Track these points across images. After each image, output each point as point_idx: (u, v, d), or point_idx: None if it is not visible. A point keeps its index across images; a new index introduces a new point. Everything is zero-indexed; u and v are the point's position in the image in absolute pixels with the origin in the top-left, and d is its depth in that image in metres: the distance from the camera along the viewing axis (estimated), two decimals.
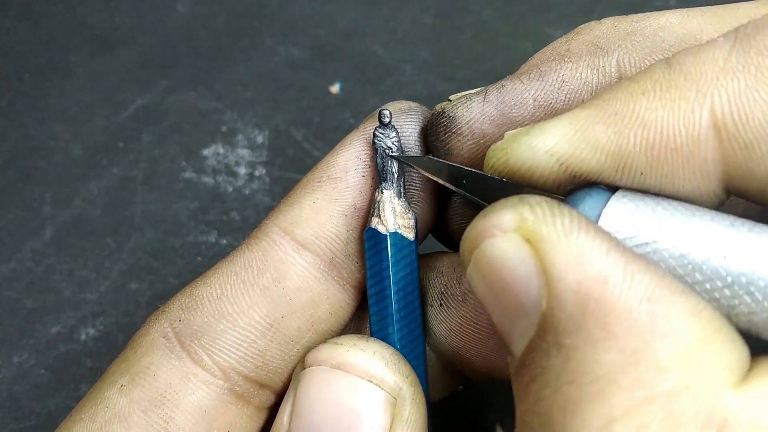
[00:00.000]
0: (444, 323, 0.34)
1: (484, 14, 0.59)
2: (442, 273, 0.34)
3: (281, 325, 0.32)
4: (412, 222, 0.32)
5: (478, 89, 0.33)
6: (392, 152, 0.32)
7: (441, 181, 0.31)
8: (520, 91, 0.32)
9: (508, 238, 0.23)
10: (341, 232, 0.32)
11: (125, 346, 0.33)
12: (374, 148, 0.32)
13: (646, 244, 0.24)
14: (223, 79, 0.57)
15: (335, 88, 0.56)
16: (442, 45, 0.57)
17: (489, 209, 0.25)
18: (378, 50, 0.57)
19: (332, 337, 0.33)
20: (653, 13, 0.33)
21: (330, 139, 0.54)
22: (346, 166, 0.32)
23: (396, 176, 0.32)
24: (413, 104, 0.34)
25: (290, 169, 0.53)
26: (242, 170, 0.53)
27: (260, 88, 0.56)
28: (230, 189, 0.52)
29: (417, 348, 0.33)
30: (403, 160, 0.32)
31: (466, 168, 0.30)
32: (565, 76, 0.32)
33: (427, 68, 0.56)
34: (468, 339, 0.33)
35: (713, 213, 0.24)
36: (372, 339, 0.31)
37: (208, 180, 0.53)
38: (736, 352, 0.21)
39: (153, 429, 0.30)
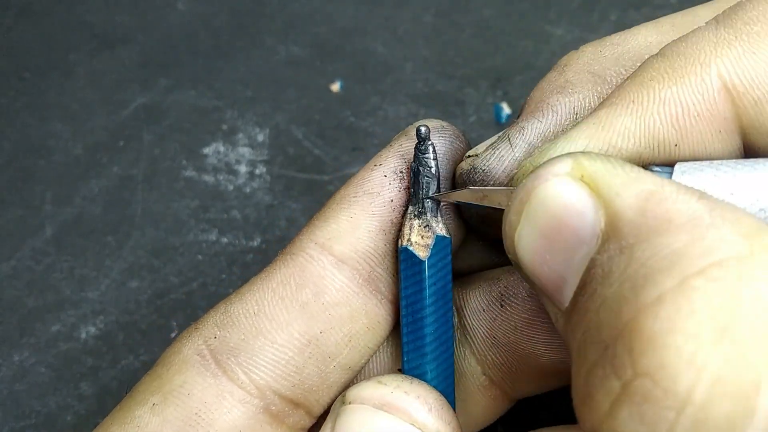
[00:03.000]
0: (507, 322, 0.34)
1: (484, 12, 0.59)
2: (498, 278, 0.34)
3: (319, 341, 0.32)
4: (431, 241, 0.33)
5: (496, 137, 0.33)
6: (430, 170, 0.32)
7: (488, 205, 0.31)
8: (542, 129, 0.33)
9: (562, 179, 0.25)
10: (379, 247, 0.32)
11: (155, 364, 0.33)
12: (411, 167, 0.33)
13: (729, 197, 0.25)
14: (223, 78, 0.57)
15: (336, 87, 0.56)
16: (443, 43, 0.57)
17: (540, 165, 0.26)
18: (378, 48, 0.57)
19: (369, 352, 0.34)
20: (627, 32, 0.35)
21: (330, 137, 0.54)
22: (383, 182, 0.33)
23: (422, 193, 0.33)
24: (444, 123, 0.34)
25: (291, 167, 0.53)
26: (243, 168, 0.53)
27: (261, 87, 0.56)
28: (231, 187, 0.52)
29: (422, 366, 0.33)
30: (445, 199, 0.33)
31: (510, 188, 0.30)
32: (576, 109, 0.33)
33: (428, 66, 0.56)
34: (535, 330, 0.33)
35: (762, 159, 0.26)
36: (417, 381, 0.31)
37: (208, 178, 0.53)
38: None
39: None
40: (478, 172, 0.32)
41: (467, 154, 0.33)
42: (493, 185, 0.32)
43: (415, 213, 0.32)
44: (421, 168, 0.32)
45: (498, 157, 0.32)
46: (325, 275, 0.32)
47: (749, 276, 0.21)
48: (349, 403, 0.30)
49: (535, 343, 0.33)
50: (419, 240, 0.32)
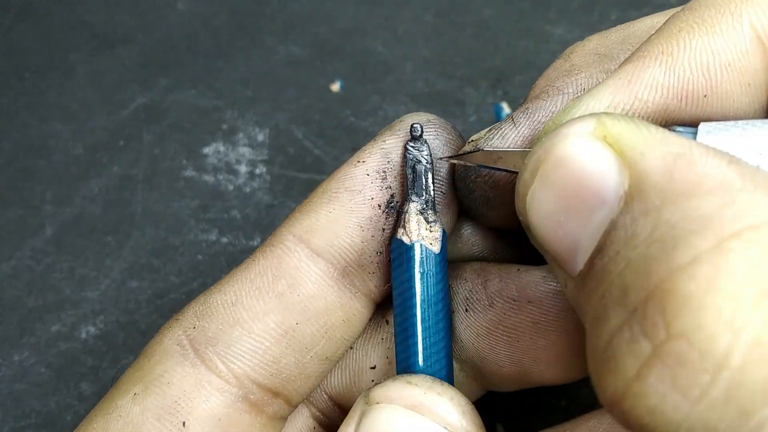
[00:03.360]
0: (470, 328, 0.34)
1: (484, 12, 0.58)
2: (465, 279, 0.34)
3: (296, 332, 0.32)
4: (439, 234, 0.32)
5: (497, 123, 0.33)
6: (428, 166, 0.32)
7: (502, 168, 0.30)
8: (548, 107, 0.32)
9: (584, 138, 0.24)
10: (356, 242, 0.32)
11: (139, 355, 0.33)
12: (404, 160, 0.33)
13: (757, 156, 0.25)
14: (223, 78, 0.57)
15: (336, 87, 0.56)
16: (443, 43, 0.57)
17: (561, 125, 0.25)
18: (378, 48, 0.57)
19: (346, 344, 0.33)
20: (634, 21, 0.35)
21: (330, 137, 0.54)
22: (365, 180, 0.33)
23: (425, 188, 0.32)
24: (431, 116, 0.34)
25: (291, 167, 0.53)
26: (243, 168, 0.53)
27: (261, 87, 0.56)
28: (231, 187, 0.52)
29: (440, 361, 0.32)
30: (457, 160, 0.32)
31: (527, 149, 0.29)
32: (583, 85, 0.32)
33: (428, 66, 0.56)
34: (495, 342, 0.33)
35: None
36: (446, 384, 0.30)
37: (208, 178, 0.53)
38: None
39: None
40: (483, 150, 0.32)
41: (470, 139, 0.33)
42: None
43: (419, 209, 0.32)
44: (417, 166, 0.32)
45: (501, 135, 0.32)
46: (300, 267, 0.32)
47: None
48: (376, 403, 0.30)
49: (495, 352, 0.33)
50: (427, 234, 0.32)
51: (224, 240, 0.50)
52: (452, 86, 0.55)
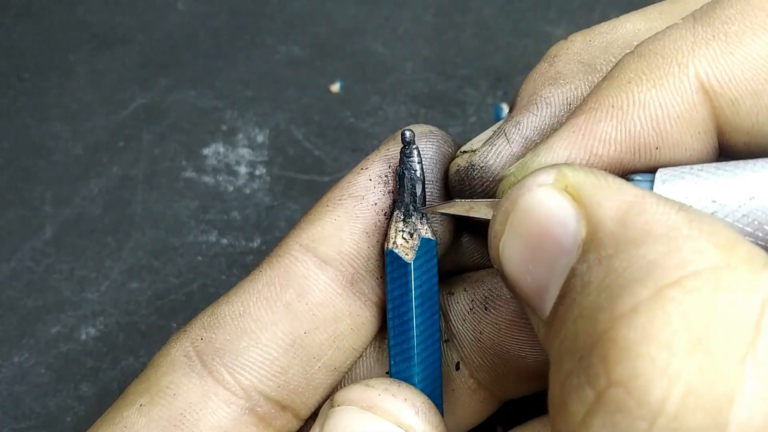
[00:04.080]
0: (491, 325, 0.34)
1: (484, 12, 0.58)
2: (482, 281, 0.34)
3: (304, 341, 0.32)
4: (415, 243, 0.33)
5: (491, 131, 0.33)
6: (415, 174, 0.33)
7: (476, 216, 0.31)
8: (537, 123, 0.33)
9: (546, 189, 0.25)
10: (363, 249, 0.32)
11: (146, 366, 0.33)
12: (397, 171, 0.33)
13: (711, 204, 0.25)
14: (223, 78, 0.56)
15: (336, 87, 0.56)
16: (443, 43, 0.57)
17: (525, 176, 0.26)
18: (378, 48, 0.57)
19: (354, 353, 0.34)
20: (615, 20, 0.35)
21: (330, 137, 0.54)
22: (368, 185, 0.33)
23: (407, 197, 0.33)
24: (433, 128, 0.34)
25: (291, 168, 0.53)
26: (243, 169, 0.53)
27: (261, 87, 0.56)
28: (231, 188, 0.52)
29: (410, 369, 0.33)
30: (434, 211, 0.33)
31: (494, 200, 0.31)
32: (569, 100, 0.33)
33: (428, 66, 0.56)
34: (519, 331, 0.33)
35: (741, 162, 0.26)
36: (404, 384, 0.31)
37: (208, 179, 0.52)
38: None
39: None
40: (476, 168, 0.33)
41: (461, 150, 0.34)
42: (491, 181, 0.32)
43: (401, 216, 0.33)
44: (406, 172, 0.32)
45: (496, 153, 0.32)
46: (308, 276, 0.32)
47: (725, 287, 0.20)
48: (337, 406, 0.30)
49: (520, 345, 0.33)
50: (405, 243, 0.32)
51: (224, 241, 0.50)
52: (452, 86, 0.55)
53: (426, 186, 0.33)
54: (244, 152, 0.53)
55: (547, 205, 0.25)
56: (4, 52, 0.58)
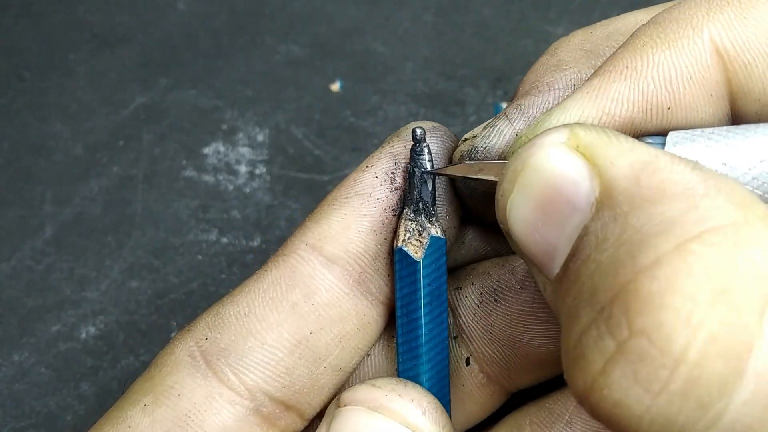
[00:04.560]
0: (502, 317, 0.34)
1: (484, 12, 0.58)
2: (489, 273, 0.34)
3: (309, 342, 0.32)
4: (425, 240, 0.32)
5: (490, 120, 0.33)
6: (420, 170, 0.32)
7: (484, 177, 0.31)
8: (539, 104, 0.33)
9: (557, 148, 0.25)
10: (370, 247, 0.32)
11: (149, 365, 0.33)
12: (407, 167, 0.33)
13: (721, 166, 0.26)
14: (223, 78, 0.57)
15: (336, 86, 0.56)
16: (443, 43, 0.57)
17: (536, 136, 0.26)
18: (378, 48, 0.57)
19: (360, 353, 0.33)
20: (616, 17, 0.35)
21: (330, 137, 0.54)
22: (374, 183, 0.32)
23: (428, 195, 0.32)
24: (436, 124, 0.34)
25: (291, 167, 0.53)
26: (243, 168, 0.53)
27: (261, 87, 0.56)
28: (231, 187, 0.52)
29: (418, 366, 0.32)
30: (441, 173, 0.32)
31: (506, 161, 0.30)
32: (572, 80, 0.33)
33: (428, 66, 0.56)
34: (531, 322, 0.33)
35: (752, 126, 0.26)
36: (411, 384, 0.31)
37: (208, 178, 0.53)
38: None
39: None
40: (479, 150, 0.32)
41: (464, 137, 0.33)
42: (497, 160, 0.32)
43: (410, 214, 0.32)
44: (416, 169, 0.32)
45: (498, 132, 0.32)
46: (315, 275, 0.32)
47: (745, 242, 0.21)
48: (344, 406, 0.30)
49: (531, 333, 0.33)
50: (414, 240, 0.32)
51: (224, 240, 0.50)
52: (452, 86, 0.55)
53: (436, 183, 0.33)
54: (245, 151, 0.53)
55: (559, 163, 0.25)
56: (5, 52, 0.58)
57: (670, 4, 0.34)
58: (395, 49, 0.57)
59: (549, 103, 0.32)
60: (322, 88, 0.56)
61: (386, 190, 0.32)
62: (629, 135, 0.26)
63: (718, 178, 0.22)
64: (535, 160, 0.25)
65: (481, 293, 0.34)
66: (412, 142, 0.32)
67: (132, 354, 0.47)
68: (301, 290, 0.32)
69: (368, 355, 0.35)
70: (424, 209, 0.32)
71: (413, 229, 0.32)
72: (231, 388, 0.31)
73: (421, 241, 0.32)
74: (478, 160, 0.32)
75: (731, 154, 0.26)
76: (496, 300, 0.34)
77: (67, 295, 0.49)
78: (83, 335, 0.48)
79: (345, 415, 0.30)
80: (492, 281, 0.34)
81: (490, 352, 0.34)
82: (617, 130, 0.26)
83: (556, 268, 0.25)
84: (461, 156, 0.33)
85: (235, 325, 0.32)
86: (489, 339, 0.34)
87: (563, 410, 0.33)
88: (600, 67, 0.28)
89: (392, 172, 0.33)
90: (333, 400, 0.31)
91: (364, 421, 0.30)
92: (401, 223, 0.32)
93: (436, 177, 0.33)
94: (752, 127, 0.26)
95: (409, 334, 0.32)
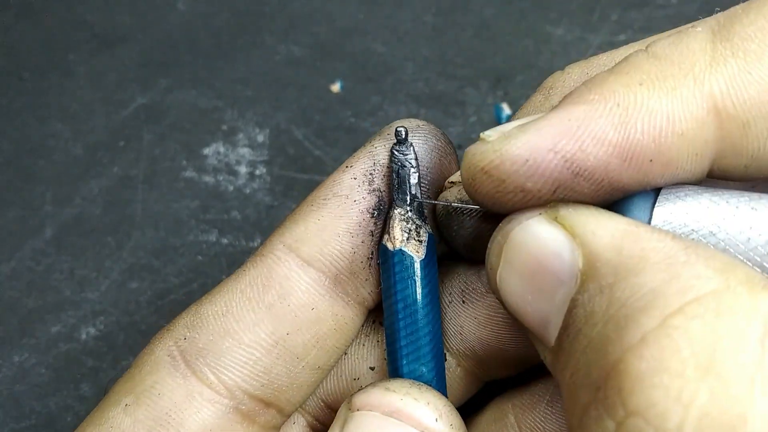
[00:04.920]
0: (470, 318, 0.34)
1: (485, 12, 0.58)
2: (458, 273, 0.34)
3: (287, 342, 0.32)
4: (424, 239, 0.32)
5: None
6: (408, 170, 0.32)
7: (469, 206, 0.31)
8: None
9: (537, 219, 0.25)
10: (346, 249, 0.32)
11: (130, 365, 0.33)
12: (390, 165, 0.32)
13: (709, 234, 0.25)
14: (223, 78, 0.56)
15: (336, 87, 0.56)
16: (443, 43, 0.57)
17: (515, 213, 0.26)
18: (379, 48, 0.57)
19: (338, 352, 0.34)
20: (613, 51, 0.34)
21: (330, 137, 0.54)
22: (352, 185, 0.32)
23: (409, 194, 0.32)
24: (421, 122, 0.34)
25: (291, 167, 0.53)
26: (243, 169, 0.53)
27: (261, 87, 0.56)
28: (231, 188, 0.52)
29: (426, 364, 0.32)
30: (428, 203, 0.33)
31: (480, 209, 0.30)
32: None
33: (429, 66, 0.56)
34: (497, 326, 0.33)
35: (748, 194, 0.26)
36: (424, 387, 0.31)
37: (208, 179, 0.52)
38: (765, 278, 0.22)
39: None
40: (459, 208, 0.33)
41: (449, 181, 0.33)
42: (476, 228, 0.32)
43: (404, 215, 0.32)
44: (401, 170, 0.32)
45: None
46: (291, 277, 0.32)
47: (727, 310, 0.21)
48: (357, 410, 0.30)
49: (498, 336, 0.33)
50: (411, 240, 0.32)
51: (224, 241, 0.50)
52: (453, 86, 0.55)
53: (422, 181, 0.33)
54: (245, 152, 0.53)
55: (540, 236, 0.25)
56: (5, 52, 0.58)
57: (666, 33, 0.32)
58: (395, 50, 0.57)
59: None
60: (322, 88, 0.56)
61: (364, 192, 0.32)
62: (595, 181, 0.25)
63: (697, 246, 0.23)
64: (516, 233, 0.26)
65: (449, 293, 0.34)
66: (395, 141, 0.32)
67: (132, 355, 0.47)
68: (277, 291, 0.32)
69: (345, 353, 0.35)
70: (418, 208, 0.32)
71: (410, 229, 0.32)
72: (210, 387, 0.31)
73: (420, 240, 0.32)
74: (459, 230, 0.33)
75: (717, 218, 0.25)
76: (463, 302, 0.34)
77: (67, 295, 0.49)
78: (83, 336, 0.48)
79: (359, 419, 0.30)
80: (460, 282, 0.34)
81: (462, 349, 0.34)
82: (588, 173, 0.25)
83: (551, 338, 0.25)
84: (443, 211, 0.33)
85: (213, 325, 0.32)
86: (460, 338, 0.34)
87: (544, 391, 0.34)
88: (586, 92, 0.26)
89: (371, 173, 0.33)
90: (344, 402, 0.31)
91: (379, 426, 0.30)
92: (395, 224, 0.32)
93: (420, 174, 0.33)
94: (746, 194, 0.26)
95: (413, 335, 0.32)
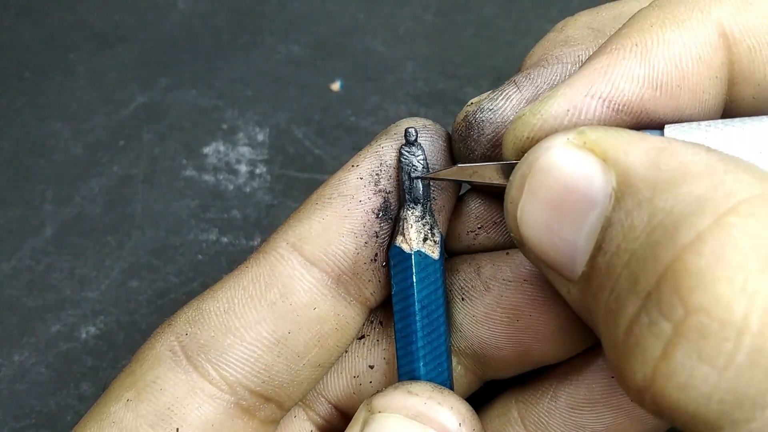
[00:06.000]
0: (468, 316, 0.34)
1: (485, 11, 0.58)
2: (458, 271, 0.34)
3: (288, 341, 0.32)
4: (438, 239, 0.32)
5: (502, 86, 0.33)
6: (418, 171, 0.32)
7: (476, 181, 0.31)
8: (548, 75, 0.33)
9: (564, 144, 0.25)
10: (349, 250, 0.32)
11: (131, 360, 0.33)
12: (399, 166, 0.32)
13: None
14: (223, 77, 0.56)
15: (336, 86, 0.56)
16: (444, 42, 0.57)
17: (542, 140, 0.26)
18: (379, 47, 0.57)
19: (339, 351, 0.33)
20: (622, 1, 0.35)
21: (331, 136, 0.54)
22: (357, 185, 0.32)
23: (422, 194, 0.32)
24: (428, 121, 0.34)
25: (291, 166, 0.53)
26: (243, 168, 0.53)
27: (261, 86, 0.56)
28: (231, 187, 0.52)
29: (442, 365, 0.32)
30: (434, 178, 0.32)
31: (500, 162, 0.30)
32: (580, 56, 0.33)
33: (429, 65, 0.56)
34: (495, 325, 0.33)
35: (749, 119, 0.27)
36: (447, 391, 0.31)
37: (208, 178, 0.52)
38: None
39: None
40: (485, 111, 0.32)
41: (470, 102, 0.33)
42: (500, 126, 0.32)
43: (418, 216, 0.32)
44: (413, 171, 0.32)
45: (505, 96, 0.32)
46: (293, 275, 0.32)
47: None
48: (378, 412, 0.30)
49: (495, 335, 0.33)
50: (428, 241, 0.32)
51: (224, 240, 0.50)
52: (453, 85, 0.55)
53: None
54: (245, 151, 0.53)
55: (569, 161, 0.25)
56: (5, 52, 0.58)
57: None
58: (396, 49, 0.57)
59: (557, 75, 0.32)
60: (322, 87, 0.56)
61: (369, 192, 0.32)
62: (636, 114, 0.27)
63: (731, 157, 0.23)
64: (543, 161, 0.25)
65: (449, 291, 0.34)
66: (403, 142, 0.32)
67: (132, 354, 0.47)
68: (280, 290, 0.32)
69: (345, 351, 0.35)
70: (429, 209, 0.32)
71: (424, 230, 0.32)
72: (212, 382, 0.31)
73: (435, 241, 0.32)
74: (483, 122, 0.32)
75: (730, 146, 0.26)
76: (462, 299, 0.34)
77: (67, 294, 0.49)
78: (83, 335, 0.48)
79: (381, 421, 0.30)
80: (459, 279, 0.34)
81: (462, 347, 0.34)
82: (624, 108, 0.27)
83: (578, 267, 0.25)
84: (465, 116, 0.32)
85: (215, 322, 0.32)
86: (459, 336, 0.34)
87: (547, 386, 0.34)
88: (604, 47, 0.28)
89: (377, 174, 0.32)
90: (362, 404, 0.31)
91: (402, 428, 0.29)
92: (410, 225, 0.32)
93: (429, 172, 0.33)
94: (748, 120, 0.26)
95: (430, 336, 0.32)
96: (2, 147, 0.54)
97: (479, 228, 0.35)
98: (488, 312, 0.33)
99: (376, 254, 0.32)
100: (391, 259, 0.32)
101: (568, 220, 0.25)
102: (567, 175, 0.25)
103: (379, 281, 0.33)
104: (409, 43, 0.57)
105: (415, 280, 0.32)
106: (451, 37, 0.57)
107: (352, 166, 0.33)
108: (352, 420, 0.31)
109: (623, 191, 0.23)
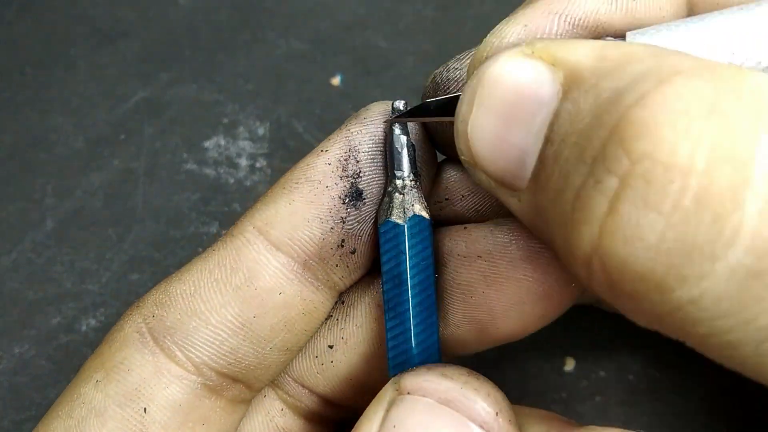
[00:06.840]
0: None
1: (485, 6, 0.58)
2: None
3: (253, 325, 0.32)
4: (426, 211, 0.32)
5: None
6: (410, 143, 0.32)
7: (449, 119, 0.30)
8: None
9: (512, 54, 0.25)
10: (315, 235, 0.32)
11: (101, 342, 0.33)
12: (386, 139, 0.32)
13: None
14: (224, 72, 0.57)
15: (336, 81, 0.56)
16: (444, 37, 0.57)
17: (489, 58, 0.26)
18: (379, 42, 0.57)
19: (307, 335, 0.33)
20: None
21: (331, 130, 0.54)
22: (325, 170, 0.32)
23: (409, 165, 0.32)
24: (401, 101, 0.34)
25: (291, 161, 0.53)
26: (243, 162, 0.53)
27: (261, 81, 0.56)
28: (231, 180, 0.52)
29: (433, 336, 0.32)
30: (400, 120, 0.32)
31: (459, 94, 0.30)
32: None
33: (429, 60, 0.56)
34: (450, 301, 0.33)
35: (710, 14, 0.26)
36: (482, 378, 0.29)
37: (209, 172, 0.53)
38: None
39: (129, 423, 0.30)
40: (451, 70, 0.33)
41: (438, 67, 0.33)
42: (464, 83, 0.31)
43: (407, 186, 0.32)
44: (399, 144, 0.32)
45: (471, 56, 0.32)
46: (259, 260, 0.31)
47: (721, 75, 0.21)
48: (407, 393, 0.29)
49: (451, 313, 0.33)
50: (416, 206, 0.32)
51: (225, 233, 0.50)
52: None
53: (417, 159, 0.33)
54: (245, 145, 0.54)
55: (516, 68, 0.25)
56: (6, 47, 0.58)
57: None
58: (396, 44, 0.57)
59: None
60: (322, 82, 0.56)
61: (337, 178, 0.32)
62: (592, 29, 0.27)
63: (669, 48, 0.23)
64: (491, 72, 0.25)
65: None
66: (389, 116, 0.32)
67: None
68: (245, 274, 0.31)
69: (314, 335, 0.35)
70: (416, 177, 0.32)
71: (416, 199, 0.32)
72: (178, 364, 0.31)
73: (424, 206, 0.32)
74: (446, 91, 0.32)
75: (693, 41, 0.25)
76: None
77: (67, 287, 0.49)
78: (84, 328, 0.48)
79: (411, 404, 0.28)
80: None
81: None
82: (582, 21, 0.27)
83: (528, 170, 0.25)
84: (432, 78, 0.33)
85: (181, 304, 0.32)
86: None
87: None
88: None
89: (345, 159, 0.32)
90: (389, 382, 0.30)
91: (434, 413, 0.28)
92: (405, 196, 0.32)
93: (416, 152, 0.33)
94: (707, 15, 0.26)
95: (424, 313, 0.32)
96: (4, 141, 0.54)
97: (446, 199, 0.35)
98: (444, 288, 0.33)
99: (343, 240, 0.32)
100: (381, 235, 0.32)
101: (518, 124, 0.24)
102: (515, 81, 0.24)
103: (347, 266, 0.33)
104: (409, 38, 0.57)
105: (407, 256, 0.32)
106: (451, 32, 0.58)
107: (321, 151, 0.32)
108: (376, 397, 0.30)
109: (570, 85, 0.23)
